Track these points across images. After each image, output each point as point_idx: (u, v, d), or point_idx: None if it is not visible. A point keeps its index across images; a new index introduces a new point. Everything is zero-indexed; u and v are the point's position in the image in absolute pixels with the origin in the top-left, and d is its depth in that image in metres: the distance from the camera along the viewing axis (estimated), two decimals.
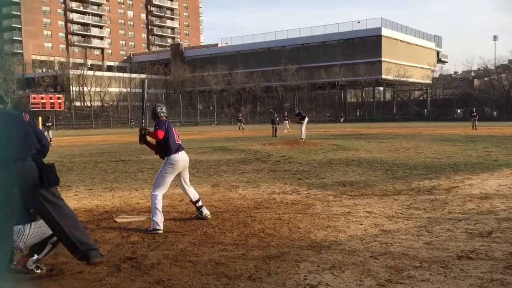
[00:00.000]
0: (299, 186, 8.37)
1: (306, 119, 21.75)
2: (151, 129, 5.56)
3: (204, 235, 5.14)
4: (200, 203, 5.89)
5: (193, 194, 5.88)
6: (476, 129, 29.59)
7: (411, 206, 6.38)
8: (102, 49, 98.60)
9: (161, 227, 5.29)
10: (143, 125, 5.63)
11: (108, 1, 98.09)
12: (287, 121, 33.24)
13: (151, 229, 5.28)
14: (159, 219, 5.31)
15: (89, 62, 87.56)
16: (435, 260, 4.07)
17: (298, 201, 6.97)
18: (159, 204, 5.40)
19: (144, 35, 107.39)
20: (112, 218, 6.10)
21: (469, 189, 7.63)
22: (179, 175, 5.72)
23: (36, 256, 3.89)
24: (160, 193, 5.49)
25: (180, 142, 5.70)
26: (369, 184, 8.40)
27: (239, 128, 37.58)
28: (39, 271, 3.92)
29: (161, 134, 5.44)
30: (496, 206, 6.28)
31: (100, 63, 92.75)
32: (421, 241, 4.69)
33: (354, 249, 4.45)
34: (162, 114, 5.66)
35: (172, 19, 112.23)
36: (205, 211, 5.91)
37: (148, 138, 5.62)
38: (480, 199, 6.76)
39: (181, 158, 5.62)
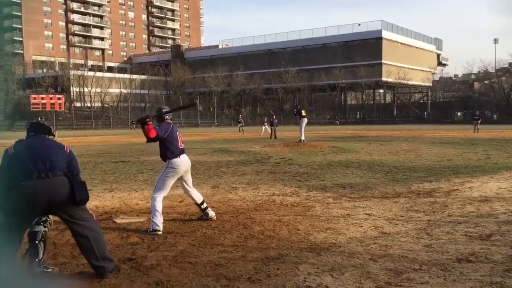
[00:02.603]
0: (299, 188, 8.37)
1: (306, 120, 20.72)
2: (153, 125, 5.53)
3: (203, 236, 5.14)
4: (204, 204, 5.90)
5: (197, 196, 5.88)
6: (478, 132, 29.57)
7: (411, 209, 6.38)
8: (103, 50, 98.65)
9: (161, 228, 5.29)
10: (153, 118, 5.57)
11: (109, 2, 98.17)
12: (265, 125, 32.70)
13: (151, 230, 5.29)
14: (159, 220, 5.32)
15: (90, 63, 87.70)
16: (435, 262, 4.07)
17: (298, 203, 6.97)
18: (159, 206, 5.41)
19: (144, 36, 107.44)
20: (111, 219, 6.10)
21: (469, 192, 7.63)
22: (180, 178, 5.72)
23: (37, 259, 3.89)
24: (160, 196, 5.50)
25: (182, 147, 5.70)
26: (369, 186, 8.40)
27: (239, 130, 37.59)
28: (50, 269, 3.92)
29: (153, 134, 5.40)
30: (496, 209, 6.28)
31: (101, 64, 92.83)
32: (421, 243, 4.69)
33: (354, 251, 4.45)
34: (167, 117, 5.69)
35: (173, 20, 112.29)
36: (211, 213, 5.93)
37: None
38: (480, 202, 6.76)
39: (183, 162, 5.62)
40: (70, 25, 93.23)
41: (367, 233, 5.14)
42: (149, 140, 5.64)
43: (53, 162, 3.71)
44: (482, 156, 13.52)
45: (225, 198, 7.56)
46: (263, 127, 32.33)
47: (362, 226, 5.45)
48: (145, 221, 5.84)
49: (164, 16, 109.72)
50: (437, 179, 9.06)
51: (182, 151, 5.65)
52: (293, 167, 11.60)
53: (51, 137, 4.07)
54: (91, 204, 7.13)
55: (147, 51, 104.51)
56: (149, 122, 5.45)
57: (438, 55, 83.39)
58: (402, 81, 68.11)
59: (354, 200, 7.11)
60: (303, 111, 20.71)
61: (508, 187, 8.05)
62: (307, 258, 4.25)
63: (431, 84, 76.05)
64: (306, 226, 5.51)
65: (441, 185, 8.39)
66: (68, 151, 3.91)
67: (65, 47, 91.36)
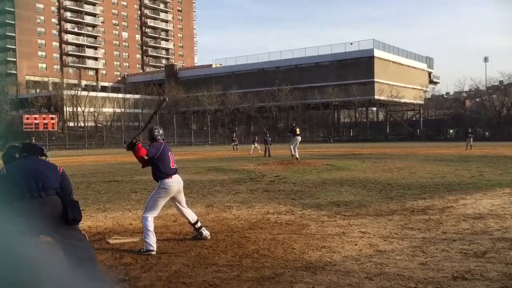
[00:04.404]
0: (294, 206, 8.34)
1: (299, 138, 20.49)
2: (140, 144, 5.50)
3: (198, 256, 5.09)
4: (199, 224, 5.85)
5: (191, 215, 5.83)
6: (471, 149, 29.69)
7: (406, 226, 6.37)
8: (97, 70, 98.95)
9: (154, 248, 5.24)
10: (139, 136, 5.56)
11: (103, 22, 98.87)
12: (255, 144, 32.65)
13: (144, 250, 5.24)
14: (152, 240, 5.27)
15: (83, 82, 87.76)
16: (431, 280, 4.05)
17: (293, 222, 6.94)
18: (151, 225, 5.37)
19: (138, 56, 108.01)
20: (104, 239, 6.04)
21: (463, 209, 7.64)
22: (173, 199, 5.68)
23: None
24: (151, 216, 5.45)
25: (175, 167, 5.66)
26: (363, 204, 8.39)
27: (233, 148, 37.62)
28: None
29: (143, 152, 5.40)
30: (490, 226, 6.28)
31: (95, 83, 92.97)
32: (416, 261, 4.67)
33: (349, 270, 4.42)
34: (159, 137, 5.64)
35: (166, 40, 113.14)
36: (205, 232, 5.87)
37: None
38: (474, 219, 6.77)
39: (175, 183, 5.58)
40: (64, 46, 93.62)
41: (362, 251, 5.11)
42: (144, 163, 5.62)
43: (46, 182, 3.69)
44: (475, 173, 13.57)
45: (219, 217, 7.51)
46: (253, 145, 32.34)
47: (357, 244, 5.43)
48: (139, 241, 5.78)
49: (158, 36, 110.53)
50: (431, 196, 9.07)
51: (174, 171, 5.61)
52: (287, 185, 11.58)
53: (43, 157, 4.06)
54: (84, 224, 7.07)
55: (141, 71, 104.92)
56: (137, 142, 5.42)
57: (430, 73, 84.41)
58: (394, 99, 68.73)
59: (348, 218, 7.09)
60: (297, 130, 20.68)
61: (502, 204, 8.07)
62: (303, 277, 4.21)
63: (423, 102, 76.74)
64: (301, 244, 5.48)
65: (435, 202, 8.40)
66: (61, 171, 3.90)
67: (58, 67, 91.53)
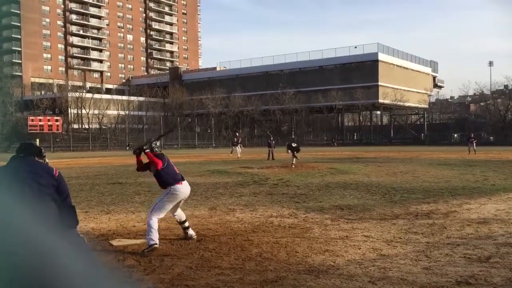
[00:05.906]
0: (297, 210, 8.33)
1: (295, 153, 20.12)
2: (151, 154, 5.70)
3: (201, 258, 5.09)
4: (186, 223, 5.97)
5: (180, 215, 5.96)
6: (475, 153, 29.55)
7: (409, 231, 6.35)
8: (101, 72, 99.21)
9: (157, 241, 5.32)
10: (150, 145, 5.83)
11: (108, 25, 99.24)
12: (239, 146, 32.46)
13: (147, 246, 5.31)
14: (155, 236, 5.37)
15: (88, 84, 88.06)
16: (434, 285, 4.03)
17: (296, 225, 6.93)
18: (155, 224, 5.46)
19: (143, 59, 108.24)
20: (108, 241, 6.04)
21: (467, 213, 7.61)
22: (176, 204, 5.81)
23: None
24: (156, 217, 5.51)
25: (179, 172, 5.88)
26: (367, 208, 8.37)
27: (237, 152, 37.56)
28: None
29: (160, 164, 5.63)
30: (494, 231, 6.25)
31: (99, 85, 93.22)
32: (420, 266, 4.65)
33: (352, 274, 4.41)
34: (156, 150, 5.88)
35: (171, 43, 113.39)
36: (190, 232, 5.99)
37: (143, 158, 5.84)
38: (478, 223, 6.74)
39: (184, 189, 5.75)
40: (69, 48, 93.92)
41: (365, 255, 5.10)
42: (141, 167, 5.84)
43: (40, 187, 3.56)
44: (480, 178, 13.52)
45: (222, 219, 7.51)
46: (237, 148, 32.18)
47: (360, 248, 5.41)
48: (142, 244, 5.79)
49: (162, 38, 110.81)
50: (435, 201, 9.05)
51: (182, 177, 5.80)
52: (291, 189, 11.57)
53: (37, 158, 3.90)
54: (87, 226, 7.09)
55: (146, 73, 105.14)
56: (147, 150, 5.71)
57: (434, 77, 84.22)
58: (398, 102, 68.59)
59: (352, 222, 7.07)
60: (293, 144, 20.69)
61: (506, 208, 8.04)
62: (306, 281, 4.20)
63: (428, 106, 76.54)
64: (304, 248, 5.47)
65: (439, 206, 8.37)
66: (57, 174, 3.76)
67: (63, 69, 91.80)
